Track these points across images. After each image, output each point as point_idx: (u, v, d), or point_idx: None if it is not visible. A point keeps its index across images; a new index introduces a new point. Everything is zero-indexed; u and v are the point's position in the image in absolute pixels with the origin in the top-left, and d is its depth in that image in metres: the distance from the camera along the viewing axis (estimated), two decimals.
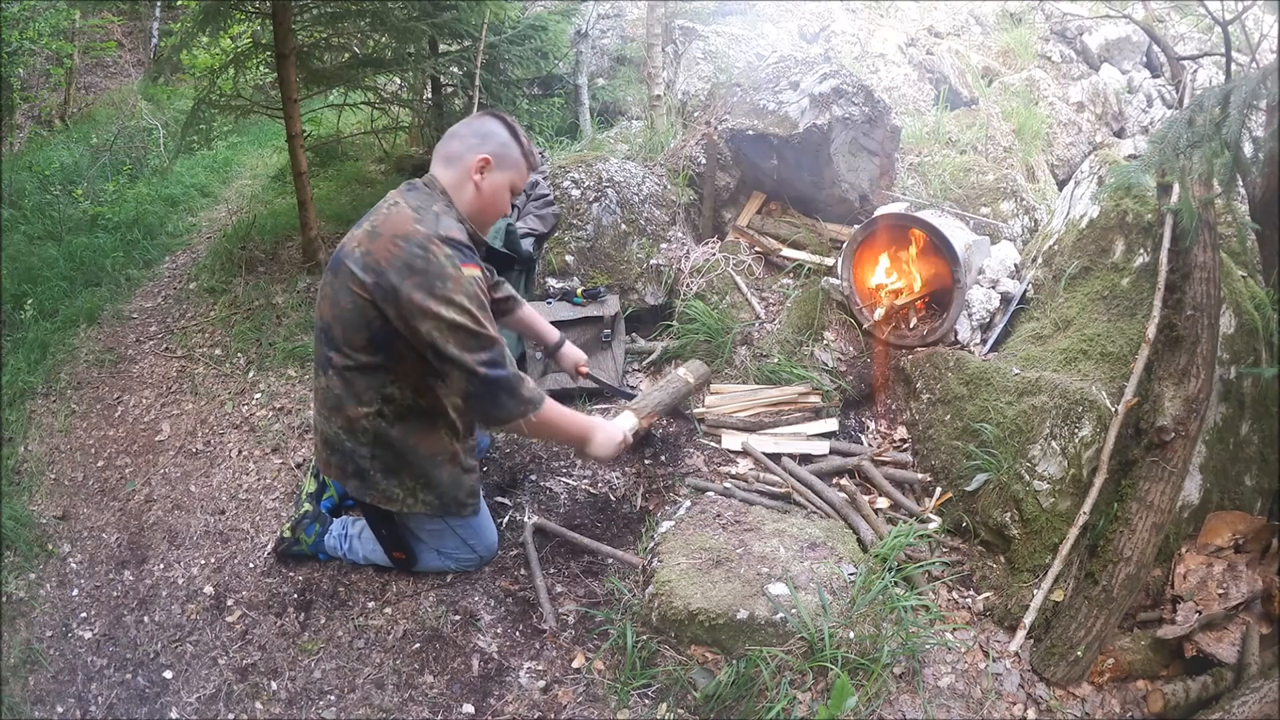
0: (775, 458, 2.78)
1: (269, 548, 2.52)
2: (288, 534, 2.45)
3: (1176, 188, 2.38)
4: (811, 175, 3.50)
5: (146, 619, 2.34)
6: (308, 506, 2.50)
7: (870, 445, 2.88)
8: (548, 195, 3.57)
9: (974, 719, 2.01)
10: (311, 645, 2.24)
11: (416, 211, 1.90)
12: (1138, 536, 2.15)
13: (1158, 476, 2.19)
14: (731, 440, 2.88)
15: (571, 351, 2.64)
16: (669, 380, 2.59)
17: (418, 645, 2.22)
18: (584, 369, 2.65)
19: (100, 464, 2.95)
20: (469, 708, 2.07)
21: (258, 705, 2.09)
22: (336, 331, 1.96)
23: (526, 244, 3.36)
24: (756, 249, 3.55)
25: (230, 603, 2.38)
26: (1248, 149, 2.23)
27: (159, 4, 8.25)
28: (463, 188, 2.00)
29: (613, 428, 2.17)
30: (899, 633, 2.09)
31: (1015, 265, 3.10)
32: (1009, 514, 2.36)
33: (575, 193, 3.54)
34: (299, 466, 2.84)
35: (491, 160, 1.99)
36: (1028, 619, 2.21)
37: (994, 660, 2.15)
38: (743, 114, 3.61)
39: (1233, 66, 3.44)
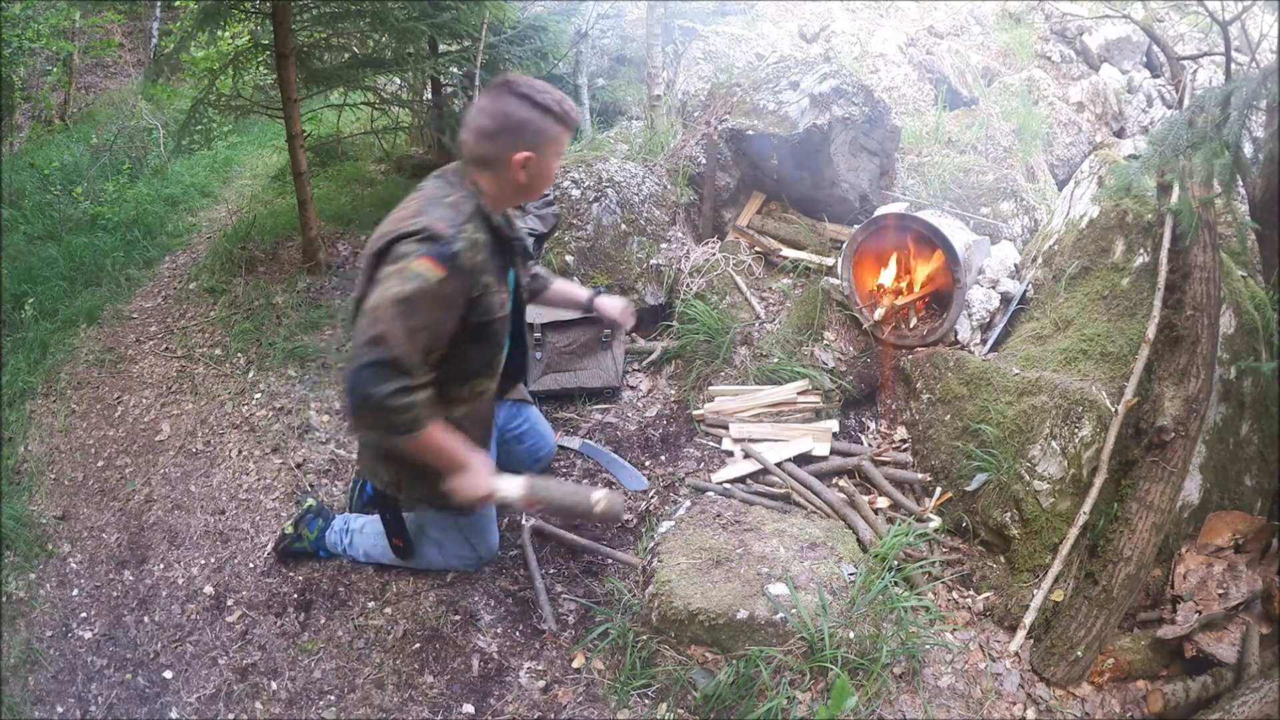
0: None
1: (269, 547, 2.52)
2: (289, 530, 2.46)
3: (1176, 188, 2.38)
4: (811, 175, 3.50)
5: (146, 619, 2.34)
6: (311, 501, 2.50)
7: (870, 445, 2.88)
8: (548, 195, 3.57)
9: (974, 719, 2.01)
10: (311, 645, 2.24)
11: (425, 201, 1.87)
12: (1138, 536, 2.15)
13: (1158, 476, 2.19)
14: (731, 441, 2.87)
15: (606, 302, 2.52)
16: (579, 493, 2.15)
17: (418, 645, 2.22)
18: (627, 319, 2.52)
19: (100, 464, 2.95)
20: (469, 708, 2.07)
21: (258, 705, 2.09)
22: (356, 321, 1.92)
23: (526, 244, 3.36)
24: (756, 249, 3.55)
25: (230, 603, 2.38)
26: (1247, 149, 2.23)
27: (159, 4, 8.25)
28: (505, 183, 1.93)
29: (484, 478, 1.93)
30: (899, 633, 2.09)
31: (1015, 265, 3.10)
32: (1009, 514, 2.36)
33: (575, 193, 3.54)
34: (299, 466, 2.84)
35: (533, 154, 1.90)
36: (1028, 619, 2.21)
37: (994, 660, 2.15)
38: (743, 114, 3.61)
39: (1233, 66, 3.44)
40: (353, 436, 1.90)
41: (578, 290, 2.55)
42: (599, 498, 2.10)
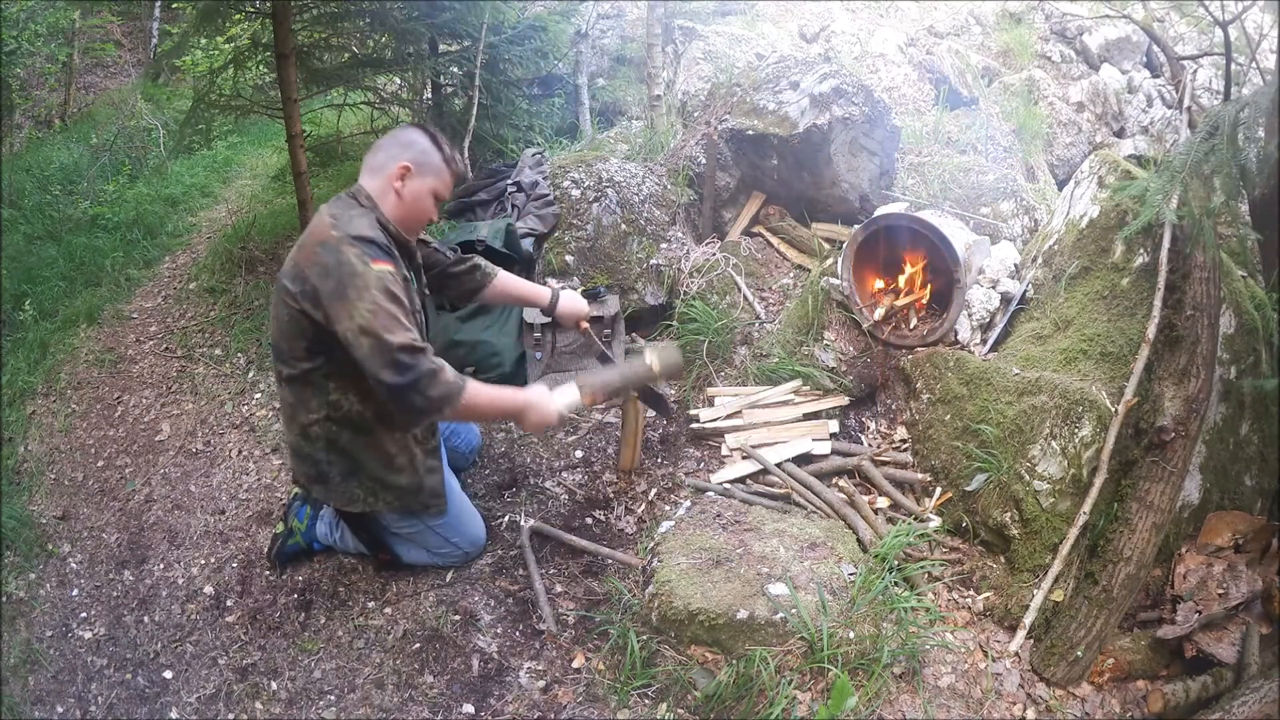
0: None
1: (265, 552, 2.52)
2: (280, 529, 2.47)
3: (1177, 196, 2.37)
4: (811, 175, 3.49)
5: (146, 619, 2.35)
6: (297, 490, 2.50)
7: (870, 445, 2.88)
8: (548, 195, 3.57)
9: (974, 719, 2.01)
10: (311, 645, 2.24)
11: (334, 218, 1.98)
12: (1138, 536, 2.15)
13: (1158, 476, 2.19)
14: (731, 441, 2.87)
15: (570, 304, 2.57)
16: (631, 363, 2.27)
17: (418, 645, 2.22)
18: (585, 324, 2.59)
19: (100, 464, 2.95)
20: (469, 708, 2.07)
21: (258, 705, 2.09)
22: (283, 345, 2.05)
23: (526, 244, 3.36)
24: (756, 249, 3.54)
25: (230, 603, 2.38)
26: (1250, 152, 2.24)
27: (158, 4, 8.25)
28: (386, 195, 2.07)
29: (546, 407, 2.09)
30: (899, 633, 2.09)
31: (1015, 265, 3.09)
32: (1009, 514, 2.36)
33: (575, 193, 3.54)
34: None
35: (412, 167, 2.06)
36: (1028, 619, 2.21)
37: (994, 660, 2.15)
38: (743, 114, 3.60)
39: (1233, 67, 3.44)
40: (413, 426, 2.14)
41: (535, 289, 2.57)
42: (652, 359, 2.18)
